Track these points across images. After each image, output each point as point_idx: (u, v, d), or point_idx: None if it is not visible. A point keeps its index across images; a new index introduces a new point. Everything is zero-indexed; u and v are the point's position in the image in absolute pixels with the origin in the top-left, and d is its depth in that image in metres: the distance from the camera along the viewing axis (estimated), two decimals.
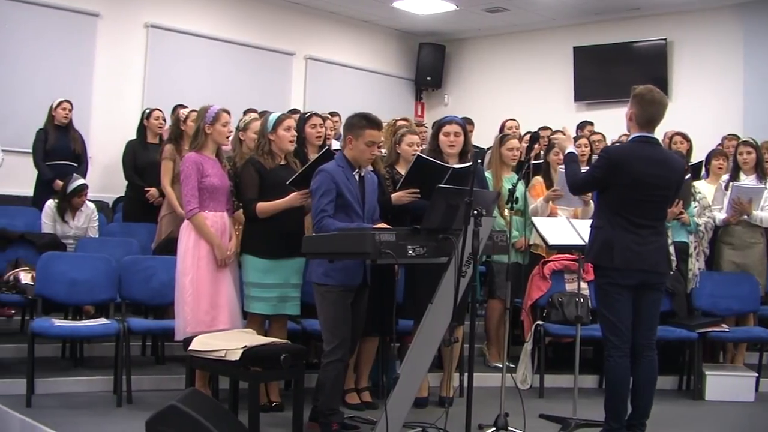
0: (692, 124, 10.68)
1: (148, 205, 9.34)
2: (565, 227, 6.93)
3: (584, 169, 7.80)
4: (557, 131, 9.83)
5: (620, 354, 5.85)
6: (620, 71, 13.10)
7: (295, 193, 6.36)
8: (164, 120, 9.91)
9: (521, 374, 7.43)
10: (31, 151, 9.82)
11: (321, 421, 5.99)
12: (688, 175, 8.36)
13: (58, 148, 9.76)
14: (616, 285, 5.83)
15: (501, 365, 6.69)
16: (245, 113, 9.18)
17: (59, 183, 8.98)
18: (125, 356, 6.83)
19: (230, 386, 6.24)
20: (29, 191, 10.08)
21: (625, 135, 9.86)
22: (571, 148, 6.45)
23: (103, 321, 7.14)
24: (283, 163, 6.66)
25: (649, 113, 5.90)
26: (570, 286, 8.02)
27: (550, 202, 7.97)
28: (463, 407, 5.33)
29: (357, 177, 6.03)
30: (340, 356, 5.90)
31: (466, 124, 10.71)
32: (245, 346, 5.62)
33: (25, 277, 7.65)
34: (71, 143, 9.90)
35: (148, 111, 9.99)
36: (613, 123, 10.39)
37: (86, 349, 7.86)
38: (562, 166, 6.99)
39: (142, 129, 9.93)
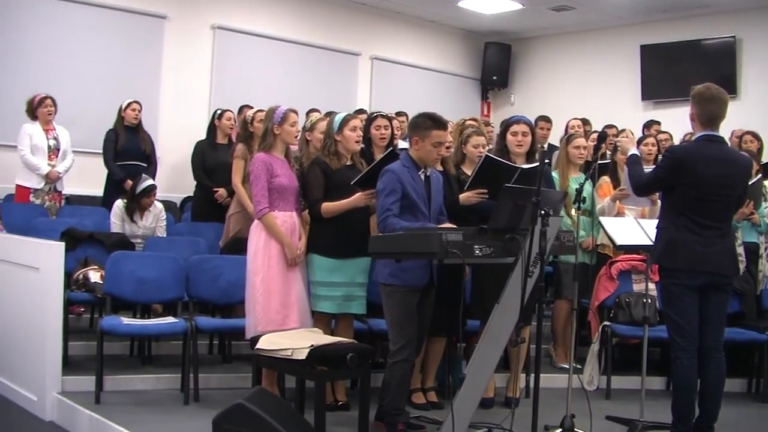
0: (763, 123, 10.55)
1: (216, 205, 9.42)
2: (633, 227, 6.87)
3: (651, 168, 7.77)
4: (622, 131, 9.77)
5: (687, 356, 5.79)
6: (688, 69, 12.92)
7: (360, 193, 6.39)
8: (235, 121, 9.99)
9: (588, 375, 7.38)
10: (101, 151, 9.95)
11: (387, 421, 6.00)
12: (759, 175, 8.26)
13: (128, 149, 9.89)
14: (680, 285, 5.77)
15: (568, 366, 6.64)
16: (308, 113, 9.24)
17: (130, 182, 9.07)
18: (193, 354, 6.88)
19: (296, 385, 6.25)
20: (99, 191, 10.21)
21: (689, 134, 9.77)
22: (633, 150, 6.43)
23: (170, 319, 7.22)
24: (349, 163, 6.68)
25: (709, 111, 5.85)
26: (637, 287, 7.96)
27: (617, 201, 7.91)
28: (529, 408, 5.30)
29: (423, 177, 6.02)
30: (406, 356, 5.90)
31: (544, 122, 10.71)
32: (312, 346, 5.63)
33: (94, 275, 7.74)
34: (141, 144, 10.02)
35: (219, 111, 10.06)
36: (680, 122, 10.25)
37: (154, 347, 7.93)
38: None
39: (212, 129, 10.02)
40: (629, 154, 6.40)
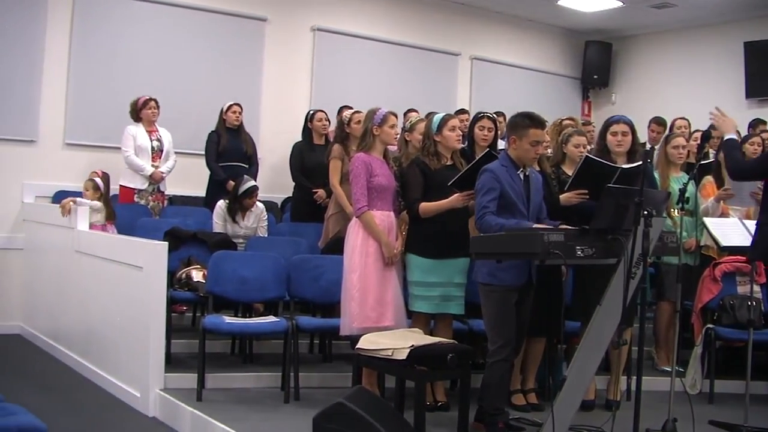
0: None
1: (315, 206, 9.49)
2: (738, 228, 6.75)
3: None
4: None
5: None
6: None
7: (458, 194, 6.38)
8: (327, 121, 10.07)
9: (690, 379, 7.26)
10: (203, 152, 10.10)
11: (486, 422, 5.99)
12: None
13: (230, 150, 10.01)
14: None
15: (670, 369, 6.56)
16: (406, 114, 9.24)
17: (232, 183, 9.20)
18: (293, 353, 6.96)
19: (396, 385, 6.28)
20: (201, 192, 10.34)
21: None
22: (731, 135, 6.23)
23: (272, 319, 7.31)
24: (449, 163, 6.69)
25: None
26: (742, 289, 7.83)
27: (722, 201, 7.78)
28: (630, 411, 5.24)
29: (522, 176, 6.00)
30: (505, 356, 5.89)
31: (656, 124, 10.57)
32: (412, 346, 5.65)
33: (197, 275, 7.87)
34: (243, 145, 10.14)
35: (311, 113, 10.15)
36: None
37: (255, 345, 8.02)
38: None
39: (307, 131, 10.10)
40: (726, 137, 6.21)
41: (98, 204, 8.61)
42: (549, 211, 6.26)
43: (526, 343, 6.63)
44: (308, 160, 9.83)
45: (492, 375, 5.92)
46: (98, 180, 8.86)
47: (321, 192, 9.41)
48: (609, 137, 6.96)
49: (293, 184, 10.10)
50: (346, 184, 7.73)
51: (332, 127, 10.00)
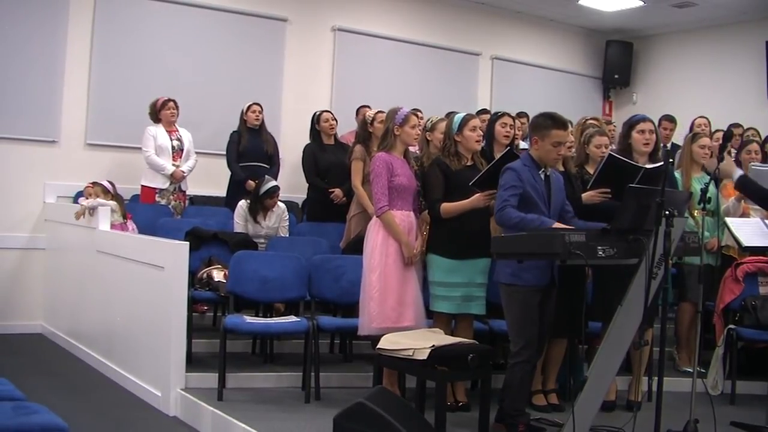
0: None
1: (331, 206, 9.51)
2: (759, 228, 6.72)
3: None
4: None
5: None
6: None
7: (479, 194, 6.37)
8: (334, 120, 10.12)
9: (712, 380, 7.23)
10: (224, 152, 10.13)
11: (507, 422, 5.98)
12: None
13: (251, 150, 10.03)
14: None
15: (691, 370, 6.53)
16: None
17: (252, 183, 9.22)
18: (314, 353, 6.96)
19: (417, 385, 6.28)
20: (222, 192, 10.37)
21: None
22: (737, 172, 6.23)
23: (293, 318, 7.31)
24: (469, 163, 6.68)
25: None
26: (764, 290, 7.80)
27: (743, 201, 7.75)
28: (651, 412, 5.22)
29: (543, 176, 5.99)
30: (527, 357, 5.88)
31: (667, 122, 10.58)
32: (433, 346, 5.65)
33: (218, 274, 7.87)
34: (264, 145, 10.15)
35: (317, 114, 10.19)
36: None
37: (276, 345, 8.03)
38: (755, 164, 6.77)
39: (315, 132, 10.13)
40: (736, 177, 6.21)
41: (114, 203, 8.69)
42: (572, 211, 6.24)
43: (548, 343, 6.61)
44: (321, 160, 9.87)
45: (513, 376, 5.92)
46: (104, 183, 8.95)
47: (338, 191, 9.43)
48: (636, 135, 6.93)
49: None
50: (369, 184, 7.74)
51: (340, 127, 10.13)
